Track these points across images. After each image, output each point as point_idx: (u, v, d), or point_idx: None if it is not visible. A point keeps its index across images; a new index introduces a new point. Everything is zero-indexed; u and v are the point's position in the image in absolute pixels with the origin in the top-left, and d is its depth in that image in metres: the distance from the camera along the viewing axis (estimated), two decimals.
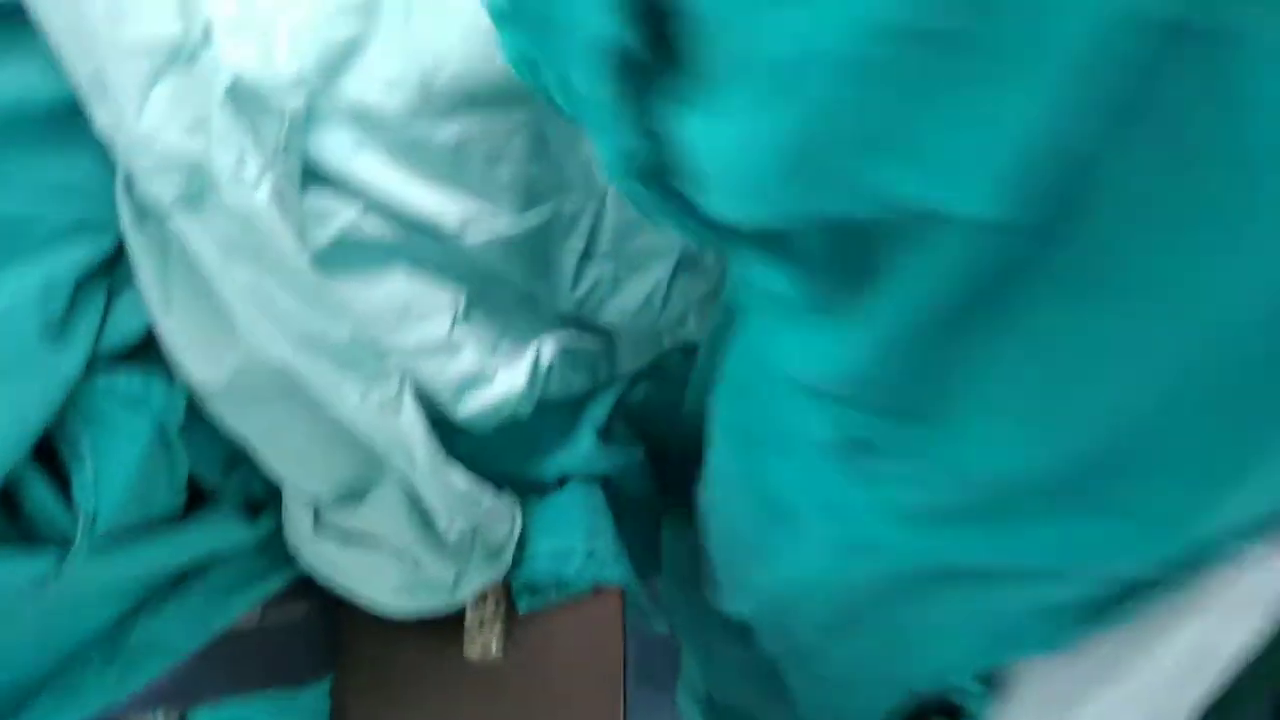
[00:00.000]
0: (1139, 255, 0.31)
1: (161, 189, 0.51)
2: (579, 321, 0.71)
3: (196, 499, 0.59)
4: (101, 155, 0.53)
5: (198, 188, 0.52)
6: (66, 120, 0.52)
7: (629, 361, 0.75)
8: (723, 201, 0.37)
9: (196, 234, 0.52)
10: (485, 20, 0.61)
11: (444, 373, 0.62)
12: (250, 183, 0.53)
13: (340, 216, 0.58)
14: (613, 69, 0.36)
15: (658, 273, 0.72)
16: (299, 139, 0.57)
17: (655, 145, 0.38)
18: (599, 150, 0.41)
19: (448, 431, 0.63)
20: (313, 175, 0.58)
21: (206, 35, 0.55)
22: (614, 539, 0.69)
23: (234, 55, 0.55)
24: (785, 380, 0.43)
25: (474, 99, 0.61)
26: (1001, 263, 0.33)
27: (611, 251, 0.70)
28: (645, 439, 0.77)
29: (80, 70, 0.51)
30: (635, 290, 0.72)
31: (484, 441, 0.66)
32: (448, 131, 0.61)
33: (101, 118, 0.52)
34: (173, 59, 0.53)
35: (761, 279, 0.39)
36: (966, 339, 0.35)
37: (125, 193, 0.53)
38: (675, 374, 0.78)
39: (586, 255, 0.69)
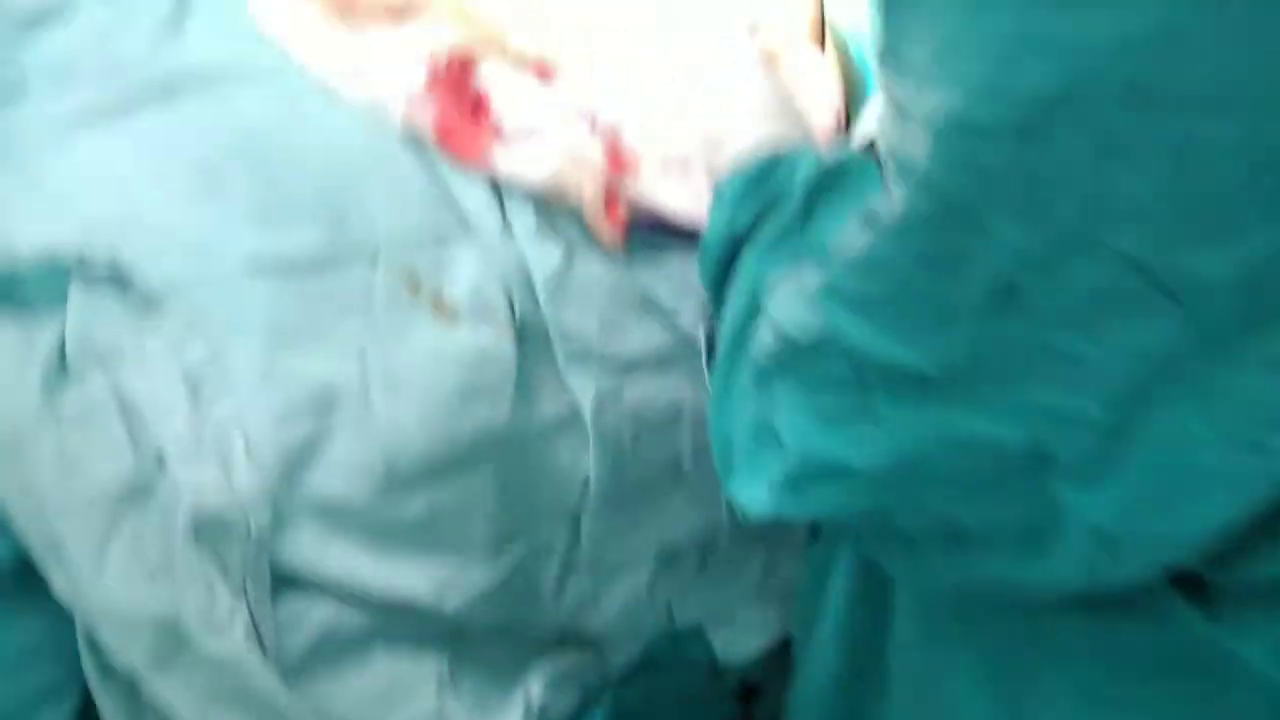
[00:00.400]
0: None
1: (131, 651, 0.49)
2: (564, 636, 0.70)
3: None
4: (60, 613, 0.50)
5: (169, 644, 0.49)
6: (20, 584, 0.49)
7: (619, 659, 0.74)
8: None
9: (172, 693, 0.50)
10: (442, 391, 0.60)
11: None
12: (223, 623, 0.51)
13: (315, 618, 0.56)
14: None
15: (639, 576, 0.71)
16: (267, 551, 0.55)
17: None
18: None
19: None
20: (282, 579, 0.56)
21: (160, 463, 0.53)
22: None
23: (191, 480, 0.53)
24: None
25: (439, 468, 0.59)
26: None
27: (589, 565, 0.68)
28: None
29: (32, 532, 0.49)
30: (617, 597, 0.70)
31: None
32: (417, 506, 0.59)
33: (59, 580, 0.49)
34: (128, 501, 0.51)
35: None
36: None
37: (89, 650, 0.51)
38: (664, 663, 0.76)
39: (564, 575, 0.68)
